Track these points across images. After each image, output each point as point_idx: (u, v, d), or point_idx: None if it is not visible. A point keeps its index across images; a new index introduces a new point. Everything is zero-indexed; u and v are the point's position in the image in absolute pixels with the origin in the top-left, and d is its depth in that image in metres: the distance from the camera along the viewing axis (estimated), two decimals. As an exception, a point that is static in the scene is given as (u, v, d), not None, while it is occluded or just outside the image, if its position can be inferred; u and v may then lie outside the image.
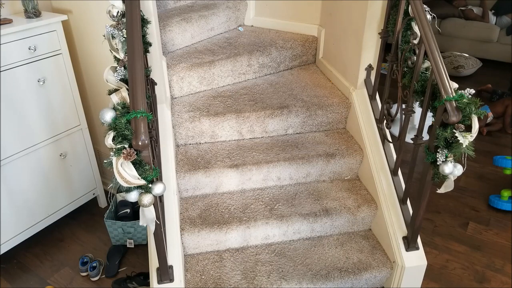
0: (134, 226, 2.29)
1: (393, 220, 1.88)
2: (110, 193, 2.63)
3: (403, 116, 1.79)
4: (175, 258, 1.70)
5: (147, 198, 1.23)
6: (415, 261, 1.82)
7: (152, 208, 1.28)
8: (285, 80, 2.49)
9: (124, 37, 1.47)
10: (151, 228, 1.37)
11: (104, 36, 1.50)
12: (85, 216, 2.63)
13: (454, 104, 1.41)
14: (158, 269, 1.63)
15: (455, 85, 1.51)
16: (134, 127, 1.22)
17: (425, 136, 1.64)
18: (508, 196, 2.61)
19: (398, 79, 1.81)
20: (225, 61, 2.33)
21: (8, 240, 2.20)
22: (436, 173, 1.52)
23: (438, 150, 1.48)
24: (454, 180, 1.50)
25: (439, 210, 2.63)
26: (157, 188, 1.25)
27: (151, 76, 1.85)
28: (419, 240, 1.85)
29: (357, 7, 2.06)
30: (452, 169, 1.46)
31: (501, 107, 3.54)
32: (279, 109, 2.18)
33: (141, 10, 1.59)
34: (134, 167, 1.21)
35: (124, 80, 1.41)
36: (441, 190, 1.56)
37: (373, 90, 2.12)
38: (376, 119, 2.08)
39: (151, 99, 1.68)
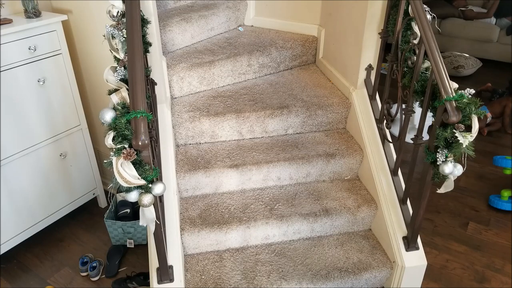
0: (134, 226, 2.29)
1: (393, 220, 1.88)
2: (110, 193, 2.63)
3: (403, 116, 1.79)
4: (175, 258, 1.70)
5: (147, 198, 1.23)
6: (415, 261, 1.82)
7: (152, 208, 1.28)
8: (285, 80, 2.49)
9: (124, 37, 1.47)
10: (151, 228, 1.37)
11: (104, 36, 1.50)
12: (85, 216, 2.63)
13: (454, 104, 1.41)
14: (158, 269, 1.63)
15: (455, 85, 1.51)
16: (134, 127, 1.22)
17: (425, 136, 1.64)
18: (508, 196, 2.61)
19: (398, 79, 1.81)
20: (225, 61, 2.33)
21: (8, 240, 2.20)
22: (436, 173, 1.52)
23: (438, 150, 1.48)
24: (454, 180, 1.50)
25: (439, 210, 2.63)
26: (157, 188, 1.25)
27: (151, 76, 1.85)
28: (419, 240, 1.85)
29: (357, 7, 2.06)
30: (452, 169, 1.46)
31: (498, 107, 3.54)
32: (279, 109, 2.18)
33: (141, 10, 1.59)
34: (134, 167, 1.21)
35: (124, 80, 1.41)
36: (441, 190, 1.56)
37: (373, 90, 2.12)
38: (376, 119, 2.08)
39: (151, 99, 1.68)
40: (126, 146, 1.20)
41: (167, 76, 2.18)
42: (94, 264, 2.21)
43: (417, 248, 1.84)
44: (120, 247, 2.35)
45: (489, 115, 3.50)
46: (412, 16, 1.66)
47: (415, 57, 1.67)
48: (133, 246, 2.37)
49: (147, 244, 2.01)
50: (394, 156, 2.00)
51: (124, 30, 1.47)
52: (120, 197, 2.47)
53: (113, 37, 1.49)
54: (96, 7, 2.14)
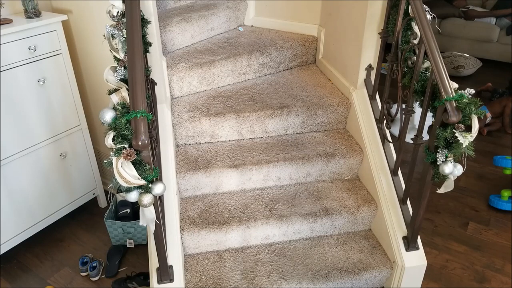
0: (134, 226, 2.29)
1: (393, 220, 1.88)
2: (110, 193, 2.63)
3: (403, 116, 1.79)
4: (175, 258, 1.70)
5: (147, 198, 1.23)
6: (415, 261, 1.82)
7: (152, 208, 1.28)
8: (285, 80, 2.49)
9: (124, 37, 1.47)
10: (151, 228, 1.37)
11: (104, 36, 1.50)
12: (85, 216, 2.63)
13: (454, 104, 1.41)
14: (158, 269, 1.63)
15: (455, 85, 1.51)
16: (134, 127, 1.22)
17: (425, 136, 1.64)
18: (508, 196, 2.61)
19: (398, 79, 1.81)
20: (225, 61, 2.33)
21: (8, 240, 2.20)
22: (436, 173, 1.52)
23: (438, 150, 1.48)
24: (454, 180, 1.50)
25: (439, 210, 2.63)
26: (157, 188, 1.25)
27: (151, 76, 1.85)
28: (419, 240, 1.85)
29: (357, 7, 2.06)
30: (452, 169, 1.46)
31: (498, 106, 3.53)
32: (279, 109, 2.18)
33: (141, 10, 1.59)
34: (134, 167, 1.21)
35: (124, 80, 1.41)
36: (441, 190, 1.56)
37: (373, 90, 2.12)
38: (376, 119, 2.08)
39: (151, 99, 1.68)
40: (126, 146, 1.20)
41: (167, 76, 2.18)
42: (94, 264, 2.21)
43: (417, 248, 1.84)
44: (120, 247, 2.35)
45: (488, 115, 3.50)
46: (412, 16, 1.66)
47: (415, 57, 1.67)
48: (133, 246, 2.37)
49: (147, 244, 2.01)
50: (394, 156, 2.00)
51: (124, 30, 1.47)
52: (120, 197, 2.47)
53: (113, 37, 1.49)
54: (96, 7, 2.14)
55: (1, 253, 2.19)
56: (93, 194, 2.62)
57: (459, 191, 2.78)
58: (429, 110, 1.60)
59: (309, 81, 2.48)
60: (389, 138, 2.00)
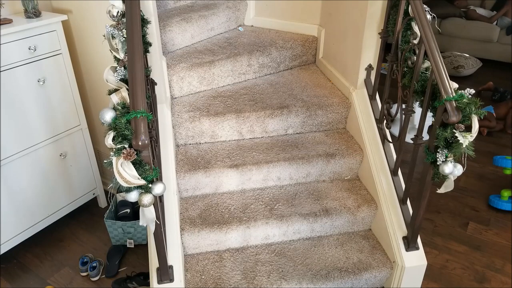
0: (134, 226, 2.29)
1: (393, 220, 1.88)
2: (110, 193, 2.63)
3: (403, 116, 1.79)
4: (175, 258, 1.70)
5: (147, 198, 1.23)
6: (415, 261, 1.82)
7: (152, 208, 1.28)
8: (285, 80, 2.49)
9: (124, 37, 1.47)
10: (151, 228, 1.37)
11: (104, 36, 1.50)
12: (85, 216, 2.63)
13: (454, 104, 1.41)
14: (158, 269, 1.63)
15: (455, 85, 1.51)
16: (134, 127, 1.22)
17: (425, 136, 1.64)
18: (508, 196, 2.61)
19: (398, 79, 1.81)
20: (225, 61, 2.33)
21: (8, 240, 2.20)
22: (436, 173, 1.52)
23: (438, 150, 1.48)
24: (454, 180, 1.51)
25: (439, 210, 2.63)
26: (157, 188, 1.25)
27: (151, 76, 1.85)
28: (419, 240, 1.85)
29: (357, 7, 2.06)
30: (452, 169, 1.46)
31: (504, 108, 3.55)
32: (279, 109, 2.18)
33: (141, 10, 1.59)
34: (134, 167, 1.21)
35: (124, 80, 1.41)
36: (441, 190, 1.56)
37: (373, 90, 2.12)
38: (376, 119, 2.08)
39: (151, 99, 1.68)
40: (126, 146, 1.20)
41: (167, 76, 2.18)
42: (94, 264, 2.21)
43: (417, 248, 1.84)
44: (120, 247, 2.35)
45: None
46: (412, 16, 1.66)
47: (415, 57, 1.67)
48: (133, 246, 2.37)
49: (147, 244, 2.01)
50: (394, 156, 2.00)
51: (124, 30, 1.47)
52: (120, 197, 2.47)
53: (113, 37, 1.49)
54: (96, 7, 2.14)
55: (1, 253, 2.19)
56: (93, 194, 2.62)
57: (459, 191, 2.78)
58: (429, 110, 1.60)
59: (309, 81, 2.48)
60: (389, 138, 2.00)
